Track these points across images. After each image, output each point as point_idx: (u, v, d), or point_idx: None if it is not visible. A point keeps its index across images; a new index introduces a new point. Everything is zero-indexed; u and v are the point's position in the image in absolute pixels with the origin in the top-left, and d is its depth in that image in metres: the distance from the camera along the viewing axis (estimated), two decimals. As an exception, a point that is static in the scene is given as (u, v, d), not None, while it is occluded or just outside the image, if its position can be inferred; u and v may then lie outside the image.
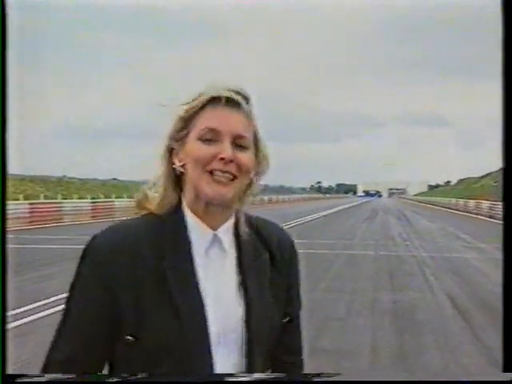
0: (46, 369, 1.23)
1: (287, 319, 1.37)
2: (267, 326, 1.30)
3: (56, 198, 32.19)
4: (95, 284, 1.20)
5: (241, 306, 1.27)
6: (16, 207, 22.81)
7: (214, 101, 1.23)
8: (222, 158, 1.20)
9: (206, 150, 1.21)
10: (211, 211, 1.25)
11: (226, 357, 1.24)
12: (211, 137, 1.21)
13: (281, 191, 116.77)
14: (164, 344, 1.19)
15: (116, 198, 36.42)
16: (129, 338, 1.19)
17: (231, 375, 1.20)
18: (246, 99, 1.27)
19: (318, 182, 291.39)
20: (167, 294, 1.19)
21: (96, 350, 1.23)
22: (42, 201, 29.39)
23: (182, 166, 1.25)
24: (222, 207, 1.26)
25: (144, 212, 1.29)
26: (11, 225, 20.35)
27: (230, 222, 1.30)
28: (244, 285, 1.29)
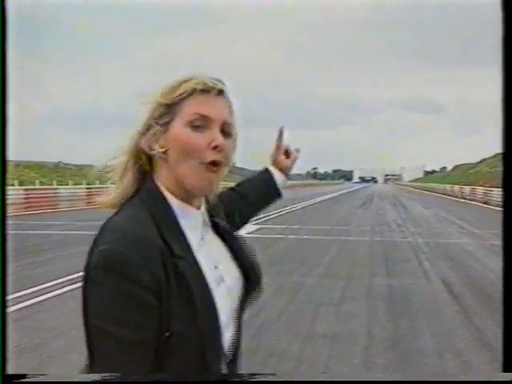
0: None
1: None
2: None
3: (51, 184, 32.13)
4: (139, 292, 1.11)
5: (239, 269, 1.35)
6: (11, 193, 22.77)
7: (201, 88, 1.22)
8: (215, 147, 1.20)
9: (198, 139, 1.20)
10: (193, 195, 1.27)
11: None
12: (201, 123, 1.21)
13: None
14: (186, 336, 1.15)
15: (111, 184, 36.21)
16: (167, 334, 1.13)
17: (231, 376, 1.22)
18: (224, 84, 1.28)
19: (314, 168, 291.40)
20: (184, 284, 1.16)
21: (152, 359, 1.14)
22: (37, 187, 29.33)
23: (164, 151, 1.23)
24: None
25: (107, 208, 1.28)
26: (7, 210, 20.25)
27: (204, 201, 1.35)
28: (234, 251, 1.37)
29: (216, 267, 1.28)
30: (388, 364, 4.95)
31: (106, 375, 1.10)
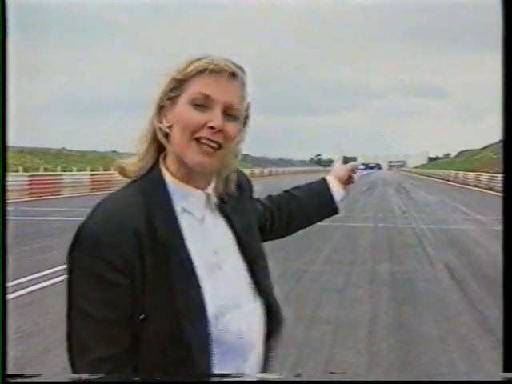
0: (81, 370, 1.13)
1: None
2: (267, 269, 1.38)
3: (55, 170, 32.19)
4: (106, 272, 1.12)
5: (245, 262, 1.31)
6: (15, 179, 22.82)
7: (212, 68, 1.20)
8: (211, 127, 1.18)
9: (196, 116, 1.19)
10: (196, 176, 1.24)
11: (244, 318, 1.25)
12: (203, 103, 1.19)
13: (280, 164, 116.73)
14: (165, 325, 1.15)
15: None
16: (141, 316, 1.14)
17: (229, 375, 1.19)
18: (242, 70, 1.25)
19: (318, 155, 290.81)
20: (162, 270, 1.15)
21: (127, 339, 1.15)
22: (41, 173, 29.39)
23: (169, 127, 1.23)
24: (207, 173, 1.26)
25: (123, 178, 1.28)
26: (10, 196, 20.38)
27: (213, 183, 1.30)
28: (241, 242, 1.32)
29: (215, 253, 1.25)
30: (391, 349, 4.97)
31: (104, 375, 1.11)
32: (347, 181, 1.77)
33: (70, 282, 1.16)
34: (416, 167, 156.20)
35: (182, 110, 1.20)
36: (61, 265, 7.97)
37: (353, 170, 1.78)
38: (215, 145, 1.19)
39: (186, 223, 1.22)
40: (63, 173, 30.04)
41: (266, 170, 71.07)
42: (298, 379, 1.25)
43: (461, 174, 49.36)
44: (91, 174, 30.16)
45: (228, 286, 1.24)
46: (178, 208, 1.22)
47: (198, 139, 1.19)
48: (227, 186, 1.33)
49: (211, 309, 1.18)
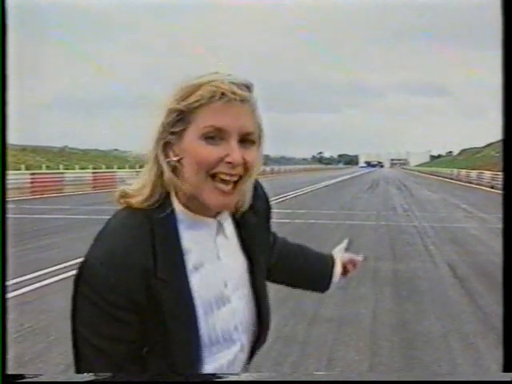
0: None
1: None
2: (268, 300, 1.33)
3: (57, 169, 32.22)
4: (111, 310, 1.09)
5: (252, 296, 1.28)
6: (18, 177, 22.86)
7: (220, 97, 1.10)
8: (229, 162, 1.10)
9: (211, 153, 1.10)
10: (209, 208, 1.17)
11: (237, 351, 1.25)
12: (216, 135, 1.10)
13: (282, 162, 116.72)
14: (161, 360, 1.13)
15: (117, 168, 36.51)
16: (145, 349, 1.13)
17: (229, 374, 1.20)
18: (250, 88, 1.15)
19: (320, 153, 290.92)
20: (159, 307, 1.11)
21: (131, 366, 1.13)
22: (43, 171, 29.42)
23: (178, 160, 1.13)
24: None
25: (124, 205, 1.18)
26: (13, 195, 20.41)
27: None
28: (252, 274, 1.28)
29: (226, 285, 1.21)
30: (393, 347, 4.97)
31: (104, 375, 1.10)
32: (346, 269, 1.86)
33: (75, 308, 1.12)
34: (418, 165, 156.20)
35: (194, 145, 1.10)
36: (63, 263, 7.99)
37: (354, 264, 1.87)
38: (236, 178, 1.12)
39: (195, 253, 1.17)
40: (65, 171, 30.08)
41: (268, 168, 71.08)
42: (299, 378, 1.25)
43: (463, 172, 49.28)
44: (93, 172, 30.18)
45: (233, 321, 1.22)
46: (185, 237, 1.16)
47: (214, 175, 1.11)
48: (243, 201, 1.25)
49: (211, 348, 1.17)
